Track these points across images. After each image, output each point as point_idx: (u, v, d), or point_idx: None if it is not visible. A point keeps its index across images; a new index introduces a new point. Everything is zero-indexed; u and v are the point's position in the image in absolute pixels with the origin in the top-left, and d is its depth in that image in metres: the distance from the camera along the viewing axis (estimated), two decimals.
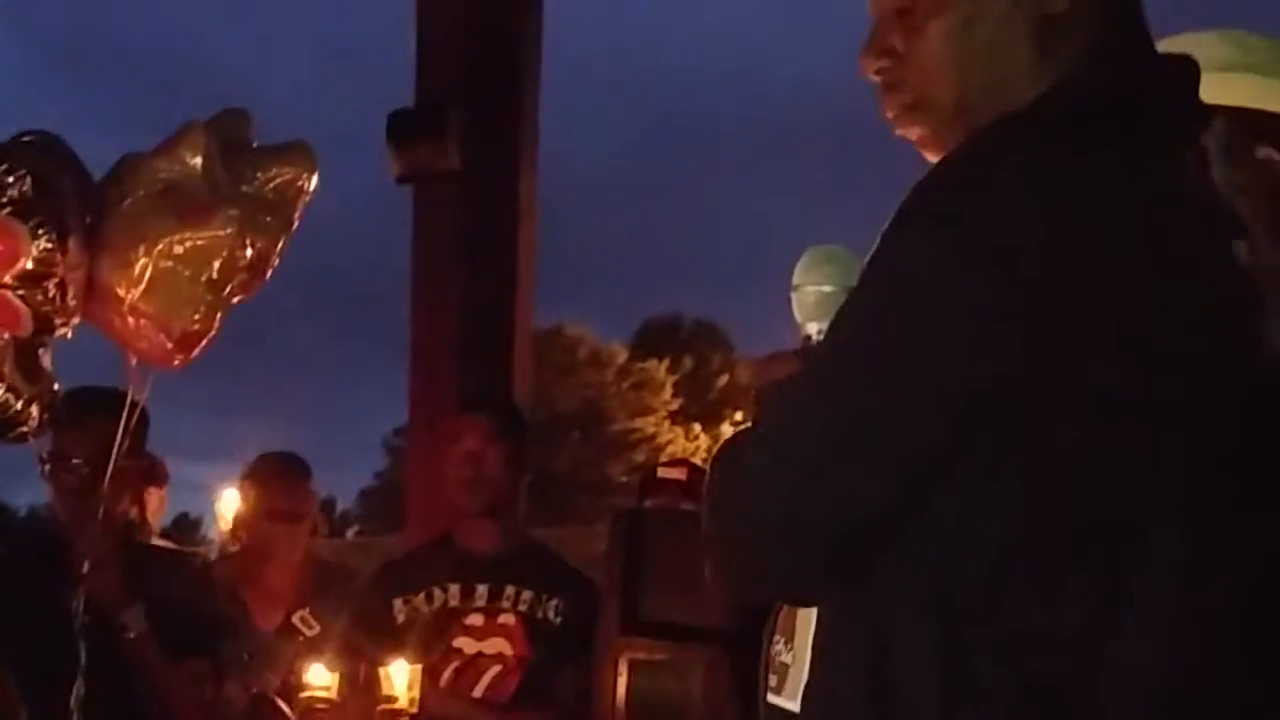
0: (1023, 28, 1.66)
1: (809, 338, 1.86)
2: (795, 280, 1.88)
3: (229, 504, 4.74)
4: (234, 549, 5.27)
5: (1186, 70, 1.70)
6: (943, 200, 1.57)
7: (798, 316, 1.88)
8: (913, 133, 1.75)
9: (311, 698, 4.23)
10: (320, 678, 4.23)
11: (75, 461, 4.13)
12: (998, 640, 1.52)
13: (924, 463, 1.52)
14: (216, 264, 3.90)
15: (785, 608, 1.76)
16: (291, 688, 4.39)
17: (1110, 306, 1.50)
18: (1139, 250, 1.52)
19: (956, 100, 1.68)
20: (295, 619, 4.81)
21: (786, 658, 1.73)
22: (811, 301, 1.87)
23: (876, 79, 1.75)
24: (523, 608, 4.37)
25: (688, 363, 42.66)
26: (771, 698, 1.75)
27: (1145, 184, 1.55)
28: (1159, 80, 1.69)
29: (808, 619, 1.69)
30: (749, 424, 1.80)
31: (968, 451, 1.50)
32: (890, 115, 1.76)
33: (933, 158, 1.71)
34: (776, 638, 1.76)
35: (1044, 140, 1.57)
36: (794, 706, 1.69)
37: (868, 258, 1.61)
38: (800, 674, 1.69)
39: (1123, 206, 1.53)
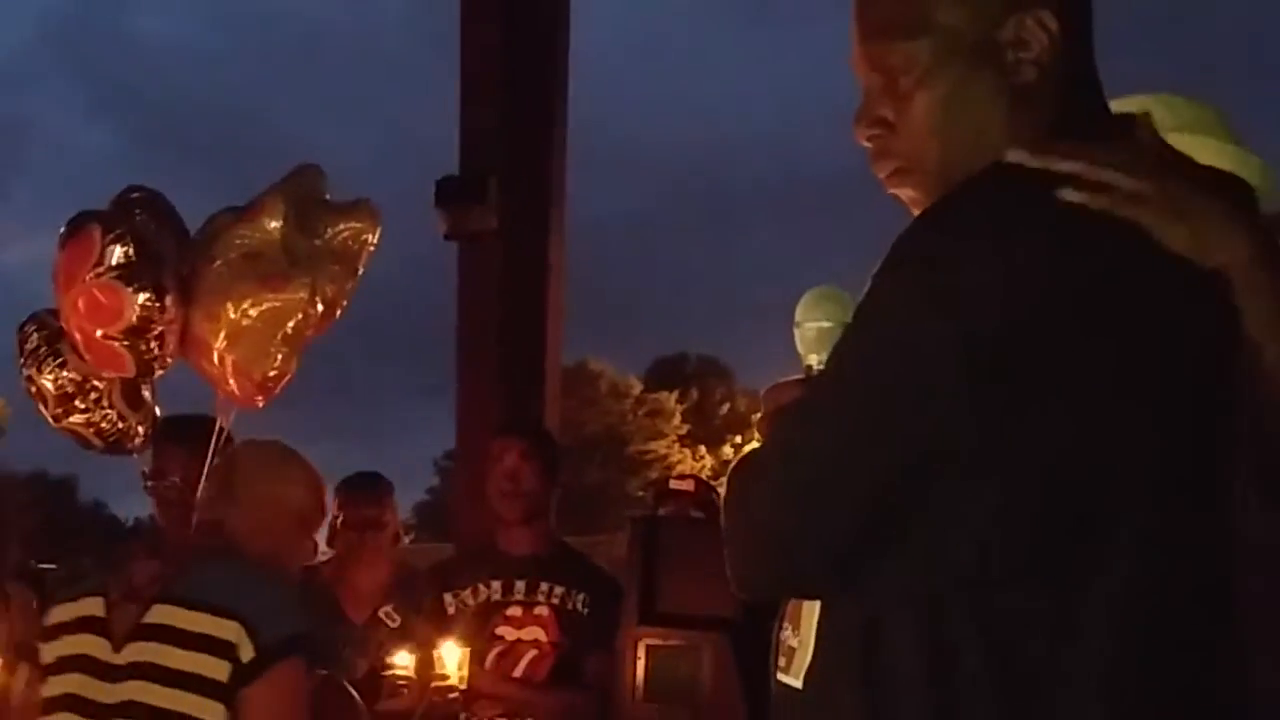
0: (998, 97, 1.64)
1: (810, 368, 1.84)
2: (797, 318, 1.87)
3: None
4: (329, 555, 5.28)
5: (1141, 127, 1.69)
6: (917, 247, 1.56)
7: (800, 350, 1.86)
8: (903, 192, 1.72)
9: (394, 677, 4.26)
10: (403, 661, 4.25)
11: (172, 478, 4.14)
12: (981, 625, 1.51)
13: (904, 474, 1.51)
14: (291, 323, 3.91)
15: (792, 599, 1.74)
16: (376, 669, 4.41)
17: (1060, 339, 1.49)
18: (1089, 289, 1.51)
19: (941, 162, 1.66)
20: (380, 613, 4.81)
21: (793, 642, 1.70)
22: (812, 336, 1.85)
23: (869, 145, 1.73)
24: (555, 601, 4.36)
25: (694, 394, 42.56)
26: (780, 676, 1.73)
27: (1100, 236, 1.53)
28: (1118, 136, 1.67)
29: (812, 608, 1.67)
30: (759, 443, 1.77)
31: (948, 460, 1.50)
32: (882, 176, 1.73)
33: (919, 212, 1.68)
34: (785, 624, 1.74)
35: (1012, 195, 1.56)
36: (798, 684, 1.68)
37: (860, 298, 1.60)
38: (805, 656, 1.67)
39: (1078, 258, 1.52)
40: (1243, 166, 2.17)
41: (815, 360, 1.84)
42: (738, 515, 1.66)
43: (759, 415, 1.86)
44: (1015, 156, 1.57)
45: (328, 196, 4.06)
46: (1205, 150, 2.07)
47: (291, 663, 2.94)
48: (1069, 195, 1.51)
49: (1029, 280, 1.49)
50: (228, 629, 2.89)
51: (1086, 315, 1.50)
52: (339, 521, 5.02)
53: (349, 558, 4.95)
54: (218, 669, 2.87)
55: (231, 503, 3.22)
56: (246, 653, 2.87)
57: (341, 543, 5.03)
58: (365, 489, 5.05)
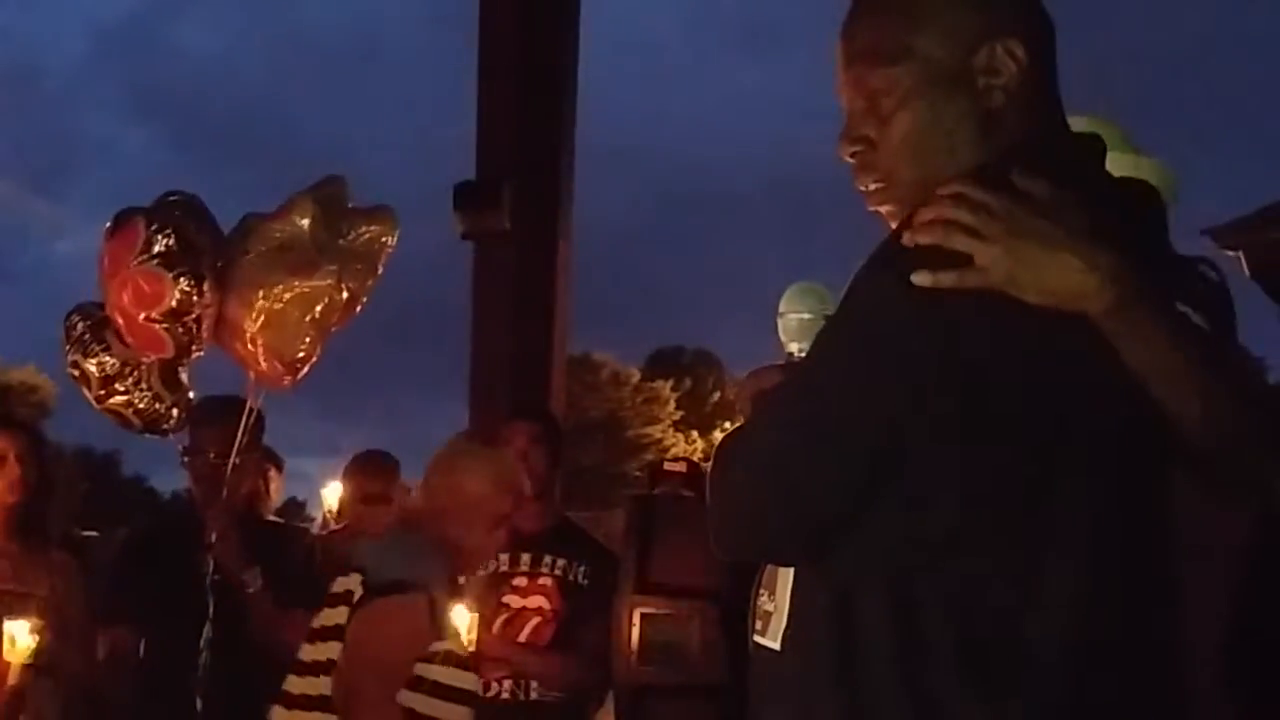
0: (968, 119, 1.65)
1: (791, 355, 1.85)
2: (781, 309, 1.88)
3: (333, 493, 4.76)
4: (338, 526, 5.27)
5: (1094, 147, 1.71)
6: (895, 251, 1.56)
7: (782, 339, 1.88)
8: (882, 206, 1.73)
9: None
10: None
11: (207, 454, 4.13)
12: (947, 596, 1.52)
13: (874, 453, 1.52)
14: (319, 307, 3.92)
15: (769, 566, 1.74)
16: None
17: (1021, 340, 1.51)
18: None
19: (916, 178, 1.67)
20: None
21: (769, 606, 1.71)
22: (794, 326, 1.87)
23: (851, 161, 1.74)
24: (558, 572, 4.34)
25: (688, 383, 42.60)
26: (756, 639, 1.73)
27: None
28: (1074, 156, 1.69)
29: (787, 575, 1.68)
30: (742, 422, 1.78)
31: (917, 441, 1.51)
32: (862, 190, 1.74)
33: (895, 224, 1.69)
34: (761, 590, 1.74)
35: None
36: (775, 646, 1.68)
37: (842, 295, 1.60)
38: (780, 620, 1.68)
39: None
40: (1140, 171, 2.18)
41: (796, 348, 1.85)
42: (721, 482, 1.67)
43: (739, 398, 1.86)
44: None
45: (350, 204, 4.08)
46: (1124, 165, 2.08)
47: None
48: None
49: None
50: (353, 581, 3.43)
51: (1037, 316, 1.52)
52: (350, 496, 5.02)
53: (358, 529, 4.95)
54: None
55: (422, 490, 3.54)
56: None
57: (351, 515, 5.02)
58: (373, 466, 5.06)
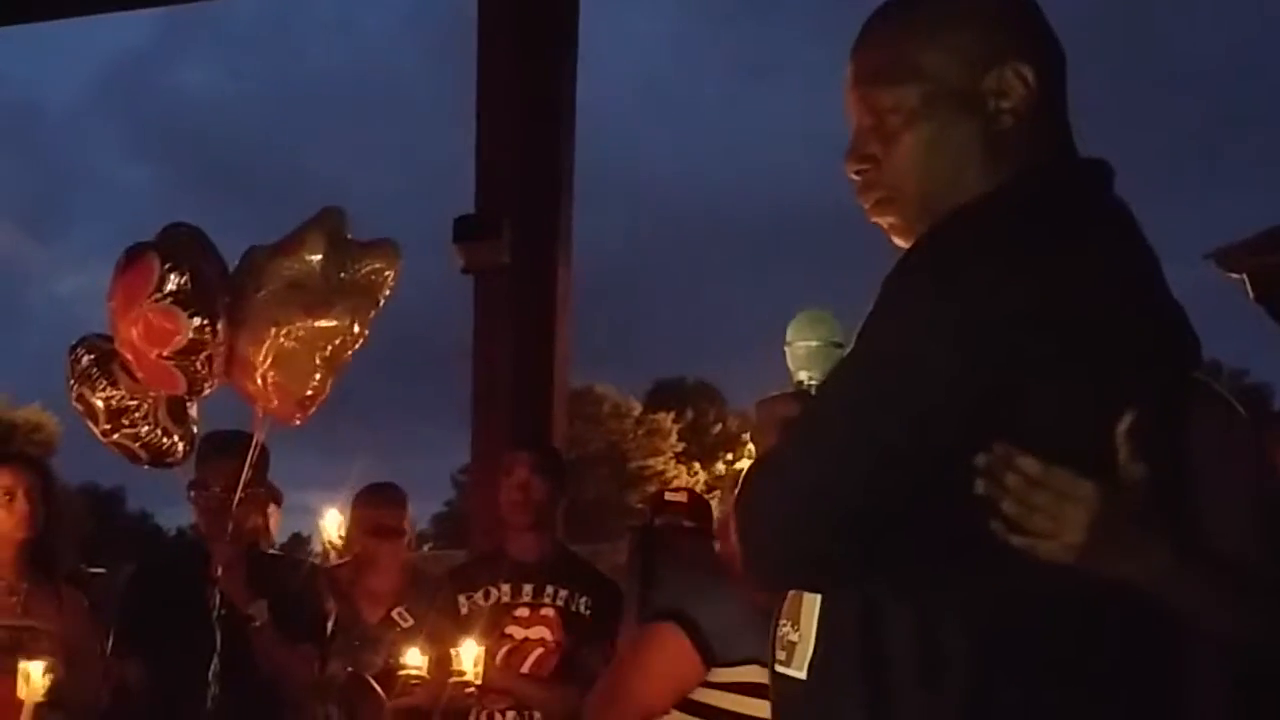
0: (976, 141, 1.66)
1: (800, 384, 1.85)
2: (788, 337, 1.87)
3: (332, 523, 4.73)
4: (347, 558, 5.26)
5: (1103, 173, 1.71)
6: (921, 278, 1.57)
7: (790, 367, 1.87)
8: (884, 220, 1.73)
9: (408, 675, 4.24)
10: (415, 659, 4.24)
11: (214, 488, 4.15)
12: (963, 608, 1.54)
13: (902, 474, 1.53)
14: (330, 346, 3.93)
15: (790, 596, 1.75)
16: (391, 667, 4.41)
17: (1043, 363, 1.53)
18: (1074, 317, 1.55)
19: (921, 194, 1.67)
20: (394, 614, 4.79)
21: (794, 636, 1.71)
22: (802, 354, 1.85)
23: (857, 178, 1.74)
24: (560, 603, 4.36)
25: (689, 414, 42.53)
26: (780, 669, 1.74)
27: (1077, 263, 1.57)
28: (1082, 183, 1.69)
29: (812, 603, 1.68)
30: (754, 453, 1.76)
31: (939, 469, 1.52)
32: (867, 206, 1.74)
33: (901, 241, 1.71)
34: (783, 620, 1.74)
35: (1006, 229, 1.58)
36: (801, 675, 1.69)
37: (868, 315, 1.60)
38: (806, 649, 1.68)
39: (1062, 284, 1.55)
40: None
41: (805, 376, 1.84)
42: (758, 513, 1.64)
43: (754, 427, 1.87)
44: None
45: (349, 235, 4.09)
46: None
47: None
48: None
49: (1029, 306, 1.53)
50: None
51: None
52: (358, 528, 5.02)
53: (366, 561, 4.94)
54: None
55: None
56: None
57: (359, 547, 5.02)
58: (382, 497, 5.05)
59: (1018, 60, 1.66)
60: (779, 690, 1.76)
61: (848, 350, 1.71)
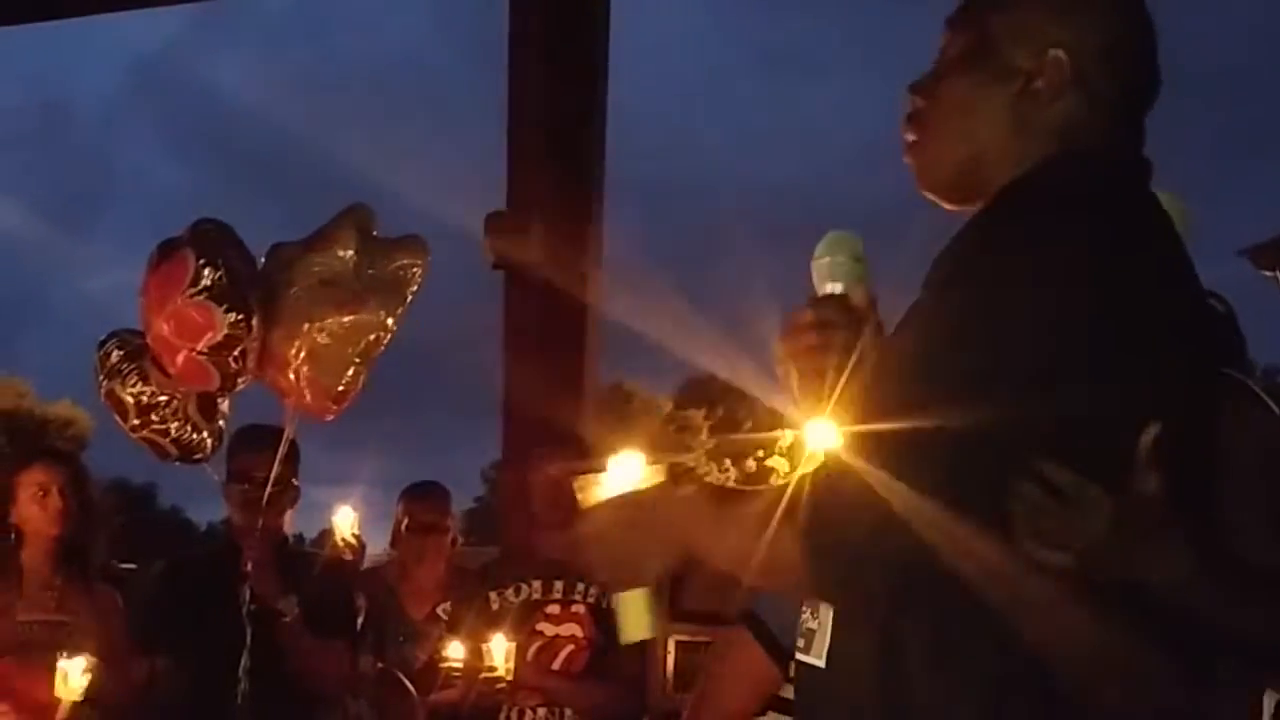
0: (1004, 114, 1.69)
1: (830, 295, 1.87)
2: (817, 253, 1.89)
3: (344, 520, 4.77)
4: (393, 555, 5.31)
5: (1149, 168, 1.72)
6: (989, 271, 1.57)
7: (816, 281, 1.89)
8: (909, 159, 1.77)
9: (449, 667, 4.27)
10: (456, 652, 4.27)
11: (247, 482, 4.16)
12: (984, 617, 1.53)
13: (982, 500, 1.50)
14: (364, 341, 3.94)
15: None
16: (434, 662, 4.43)
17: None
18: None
19: (940, 146, 1.74)
20: (439, 610, 4.84)
21: (812, 624, 1.73)
22: (827, 269, 1.88)
23: (908, 110, 1.78)
24: (591, 599, 4.36)
25: (720, 411, 42.54)
26: (800, 656, 1.75)
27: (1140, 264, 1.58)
28: (1133, 172, 1.70)
29: None
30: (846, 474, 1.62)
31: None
32: (904, 138, 1.79)
33: (924, 188, 1.76)
34: (805, 609, 1.76)
35: (1079, 222, 1.58)
36: (820, 663, 1.70)
37: (929, 312, 1.60)
38: (825, 637, 1.70)
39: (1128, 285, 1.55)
40: (1169, 206, 2.19)
41: (830, 288, 1.86)
42: (816, 530, 1.59)
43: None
44: None
45: (375, 231, 4.09)
46: None
47: None
48: None
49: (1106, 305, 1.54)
50: None
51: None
52: (403, 525, 5.06)
53: (411, 558, 4.99)
54: None
55: None
56: None
57: (404, 545, 5.05)
58: (427, 496, 5.10)
59: (1070, 49, 1.67)
60: (800, 677, 1.77)
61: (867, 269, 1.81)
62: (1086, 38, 1.69)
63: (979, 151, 1.69)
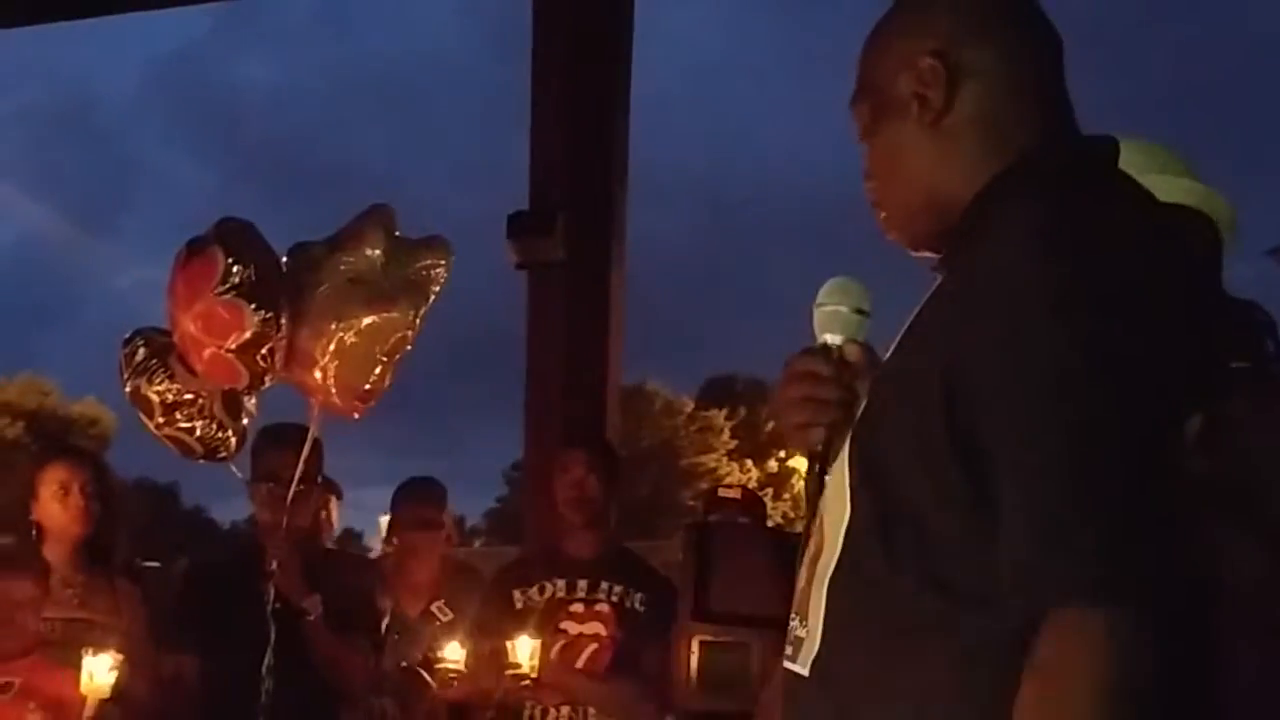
0: (923, 142, 1.68)
1: (825, 346, 1.85)
2: (818, 300, 1.87)
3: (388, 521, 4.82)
4: (387, 551, 5.32)
5: (1105, 155, 1.67)
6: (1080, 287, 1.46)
7: (815, 327, 1.87)
8: (890, 234, 1.77)
9: (446, 669, 4.27)
10: (454, 653, 4.27)
11: (271, 480, 4.16)
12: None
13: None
14: (391, 340, 3.95)
15: (800, 590, 1.72)
16: (429, 660, 4.43)
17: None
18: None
19: (901, 203, 1.73)
20: (433, 607, 4.85)
21: (801, 633, 1.69)
22: (829, 318, 1.86)
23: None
24: (615, 599, 4.36)
25: (742, 412, 42.46)
26: (787, 664, 1.72)
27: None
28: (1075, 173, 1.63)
29: (819, 603, 1.66)
30: None
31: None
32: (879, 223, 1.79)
33: (915, 254, 1.74)
34: (794, 616, 1.73)
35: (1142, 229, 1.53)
36: (804, 671, 1.67)
37: (998, 349, 1.47)
38: (811, 646, 1.66)
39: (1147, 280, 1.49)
40: (1210, 203, 2.17)
41: (829, 338, 1.84)
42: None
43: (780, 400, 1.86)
44: None
45: (397, 232, 4.10)
46: (1178, 190, 2.07)
47: None
48: None
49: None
50: None
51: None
52: (398, 522, 5.06)
53: (406, 554, 4.99)
54: None
55: None
56: None
57: (399, 541, 5.06)
58: (421, 492, 5.10)
59: (927, 53, 1.66)
60: (786, 685, 1.74)
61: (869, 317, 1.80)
62: (945, 34, 1.67)
63: (928, 187, 1.67)
